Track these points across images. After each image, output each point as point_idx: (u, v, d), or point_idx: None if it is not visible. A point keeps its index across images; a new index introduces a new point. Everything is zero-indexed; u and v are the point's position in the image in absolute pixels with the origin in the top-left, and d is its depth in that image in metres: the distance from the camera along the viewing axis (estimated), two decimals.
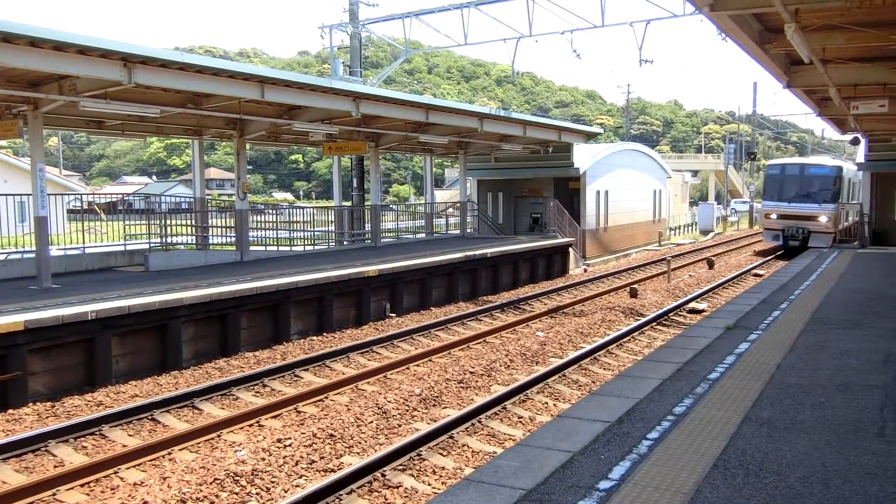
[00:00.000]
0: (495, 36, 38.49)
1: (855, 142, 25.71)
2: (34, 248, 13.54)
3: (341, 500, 6.32)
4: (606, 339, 12.64)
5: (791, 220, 26.37)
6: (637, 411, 5.50)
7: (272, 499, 6.43)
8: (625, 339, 12.91)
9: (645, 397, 5.86)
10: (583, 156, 27.92)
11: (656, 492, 4.02)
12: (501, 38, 23.44)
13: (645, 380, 6.41)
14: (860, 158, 26.91)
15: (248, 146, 19.21)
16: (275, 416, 8.86)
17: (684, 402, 5.74)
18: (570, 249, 25.19)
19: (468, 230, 27.43)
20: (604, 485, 4.15)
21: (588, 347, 11.97)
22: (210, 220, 20.18)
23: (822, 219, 25.81)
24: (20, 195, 17.44)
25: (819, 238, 25.52)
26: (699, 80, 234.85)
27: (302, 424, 8.39)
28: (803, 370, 6.70)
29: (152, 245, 17.40)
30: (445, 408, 9.13)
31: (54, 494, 6.57)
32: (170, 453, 7.60)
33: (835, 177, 26.41)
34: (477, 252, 19.15)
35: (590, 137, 30.05)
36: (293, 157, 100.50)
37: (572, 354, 11.60)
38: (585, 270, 25.56)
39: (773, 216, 27.13)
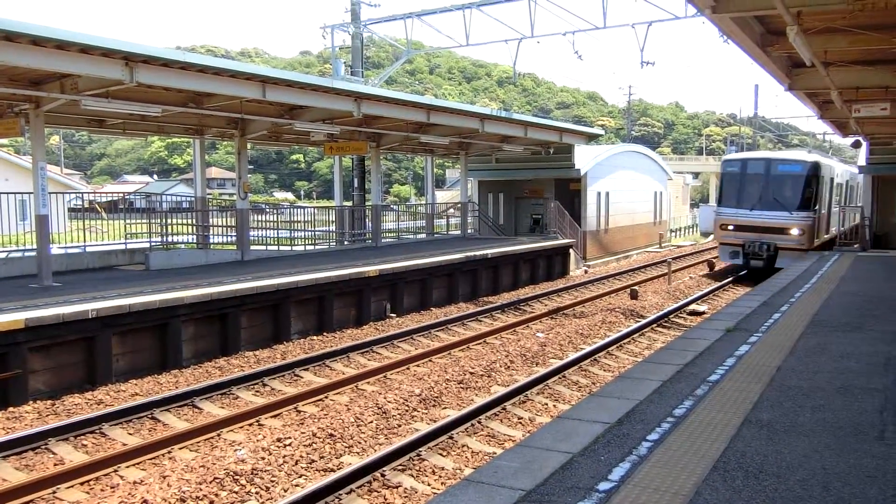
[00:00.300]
0: (497, 37, 38.43)
1: (856, 145, 25.55)
2: (35, 247, 13.55)
3: (341, 499, 6.33)
4: (606, 340, 12.65)
5: (753, 233, 20.83)
6: (637, 413, 5.50)
7: (272, 498, 6.44)
8: (625, 341, 12.92)
9: (645, 399, 5.85)
10: (584, 157, 27.94)
11: (656, 493, 4.02)
12: (503, 38, 23.36)
13: (645, 381, 6.41)
14: (861, 161, 26.66)
15: (249, 146, 19.22)
16: (275, 416, 8.86)
17: (684, 403, 5.73)
18: (571, 251, 25.20)
19: (469, 231, 27.43)
20: (603, 486, 4.15)
21: (588, 349, 11.98)
22: (211, 220, 20.20)
23: (794, 231, 20.46)
24: (21, 193, 17.46)
25: (789, 256, 20.16)
26: (701, 83, 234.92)
27: (302, 424, 8.39)
28: (803, 373, 6.70)
29: (153, 244, 17.41)
30: (445, 408, 9.14)
31: (54, 492, 6.58)
32: (170, 452, 7.61)
33: (810, 176, 20.81)
34: (478, 253, 19.15)
35: (591, 139, 30.07)
36: (294, 157, 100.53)
37: (572, 356, 11.61)
38: (586, 272, 25.57)
39: (731, 227, 21.44)
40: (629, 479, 4.23)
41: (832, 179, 23.65)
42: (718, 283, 20.15)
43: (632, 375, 6.77)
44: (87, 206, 23.08)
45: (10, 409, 8.88)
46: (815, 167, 21.05)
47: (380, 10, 31.08)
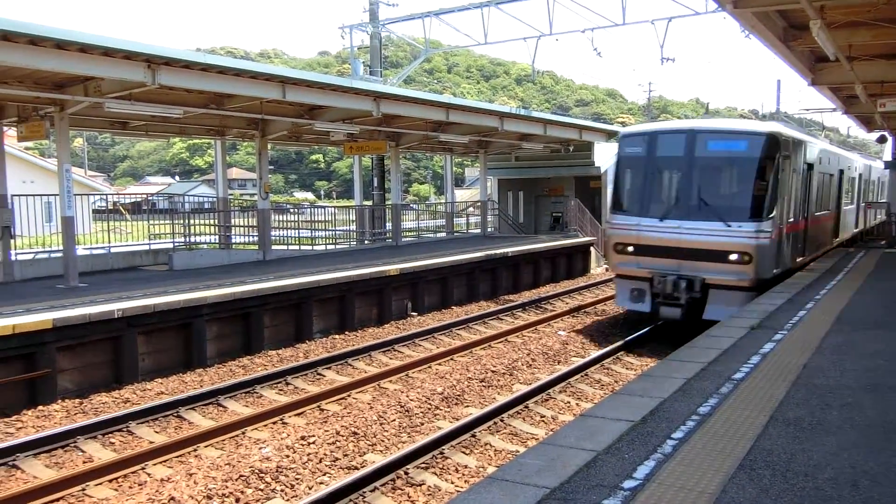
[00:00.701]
0: (515, 35, 38.36)
1: (882, 140, 25.14)
2: (61, 248, 13.75)
3: (365, 497, 6.36)
4: (629, 338, 12.58)
5: (666, 260, 12.57)
6: (661, 411, 5.47)
7: (297, 495, 6.49)
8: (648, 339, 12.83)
9: (669, 397, 5.82)
10: (604, 155, 27.78)
11: (681, 491, 4.00)
12: (521, 36, 23.38)
13: (668, 379, 6.37)
14: (887, 156, 26.19)
15: (269, 146, 19.36)
16: (298, 414, 8.92)
17: (709, 401, 5.70)
18: (592, 248, 25.09)
19: (489, 229, 27.42)
20: (628, 484, 4.14)
21: (610, 347, 11.92)
22: (232, 220, 20.37)
23: (733, 256, 12.00)
24: (47, 195, 17.72)
25: (724, 299, 12.13)
26: (722, 78, 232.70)
27: (325, 422, 8.45)
28: (830, 371, 6.63)
29: (176, 244, 17.59)
30: (468, 406, 9.15)
31: (84, 489, 6.68)
32: (195, 450, 7.70)
33: (763, 159, 12.18)
34: (498, 251, 19.14)
35: (611, 136, 29.86)
36: (314, 157, 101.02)
37: (595, 353, 11.56)
38: (607, 269, 25.45)
39: (630, 249, 13.05)
40: (654, 478, 4.21)
41: (810, 166, 14.92)
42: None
43: (655, 373, 6.74)
44: (111, 207, 23.38)
45: (40, 407, 9.03)
46: (772, 143, 12.23)
47: (398, 9, 31.15)
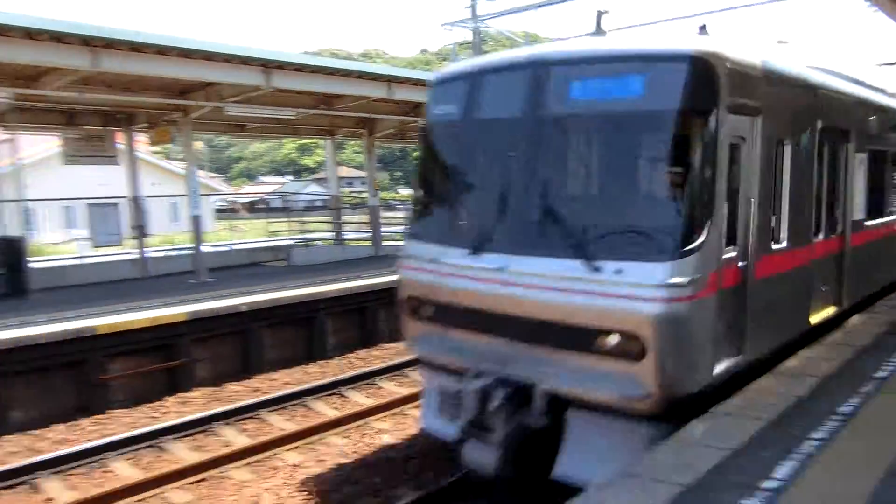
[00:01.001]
0: (618, 24, 37.43)
1: None
2: (188, 245, 14.59)
3: None
4: None
5: (481, 339, 5.75)
6: (798, 410, 5.25)
7: (422, 485, 6.63)
8: None
9: (806, 395, 5.57)
10: None
11: (826, 494, 3.84)
12: (624, 26, 22.73)
13: (803, 378, 6.09)
14: None
15: (376, 144, 19.81)
16: (416, 407, 9.09)
17: (849, 401, 5.41)
18: None
19: None
20: (768, 484, 4.01)
21: None
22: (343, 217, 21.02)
23: (612, 339, 5.05)
24: (173, 196, 18.91)
25: (595, 438, 5.27)
26: (838, 57, 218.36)
27: None
28: None
29: (295, 241, 18.32)
30: None
31: (223, 472, 7.11)
32: (322, 438, 8.02)
33: (683, 111, 5.03)
34: None
35: None
36: (417, 154, 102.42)
37: None
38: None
39: (431, 312, 6.21)
40: (795, 478, 4.06)
41: (833, 132, 7.47)
42: None
43: (788, 371, 6.45)
44: (230, 206, 24.65)
45: (180, 394, 9.68)
46: (704, 78, 5.08)
47: (496, 4, 31.10)
